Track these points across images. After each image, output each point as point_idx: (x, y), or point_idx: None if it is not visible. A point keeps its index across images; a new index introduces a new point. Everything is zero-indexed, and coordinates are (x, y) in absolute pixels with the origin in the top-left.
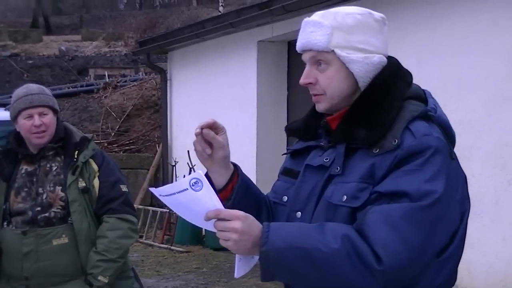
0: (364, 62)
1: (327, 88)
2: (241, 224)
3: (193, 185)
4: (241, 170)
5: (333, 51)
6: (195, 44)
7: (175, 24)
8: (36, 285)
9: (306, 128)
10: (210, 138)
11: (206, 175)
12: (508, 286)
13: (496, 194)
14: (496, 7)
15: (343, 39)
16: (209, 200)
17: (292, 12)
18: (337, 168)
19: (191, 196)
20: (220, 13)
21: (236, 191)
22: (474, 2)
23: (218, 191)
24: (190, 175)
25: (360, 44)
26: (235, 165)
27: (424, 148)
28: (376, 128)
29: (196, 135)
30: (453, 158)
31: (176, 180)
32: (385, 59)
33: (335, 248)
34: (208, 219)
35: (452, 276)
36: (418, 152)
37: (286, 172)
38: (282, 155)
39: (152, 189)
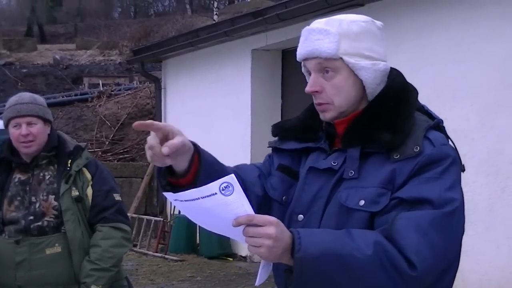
0: (372, 69)
1: (335, 97)
2: (275, 230)
3: (223, 190)
4: (202, 149)
5: (341, 58)
6: (189, 52)
7: (170, 33)
8: None
9: (305, 129)
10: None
11: (160, 168)
12: None
13: (490, 202)
14: (490, 15)
15: (350, 46)
16: (240, 205)
17: (286, 21)
18: (351, 172)
19: (220, 201)
20: (214, 22)
21: (201, 174)
22: (468, 10)
23: (181, 176)
24: (220, 179)
25: (367, 51)
26: (194, 145)
27: (443, 157)
28: (398, 133)
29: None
30: (463, 170)
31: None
32: (388, 67)
33: (369, 254)
34: (238, 224)
35: (451, 284)
36: (438, 160)
37: (283, 169)
38: (268, 147)
39: (168, 194)
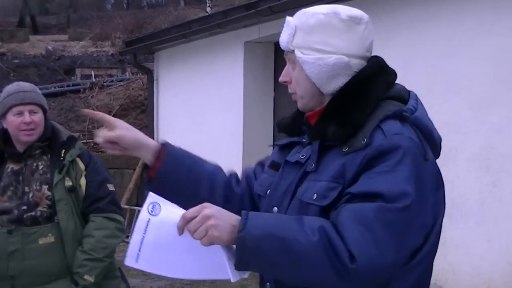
0: (316, 63)
1: (296, 88)
2: (209, 209)
3: (151, 211)
4: (172, 147)
5: (293, 51)
6: (182, 44)
7: (163, 25)
8: (22, 285)
9: (293, 124)
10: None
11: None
12: None
13: (481, 196)
14: (482, 9)
15: (302, 39)
16: (173, 214)
17: (279, 13)
18: (312, 165)
19: (157, 224)
20: (207, 14)
21: (160, 169)
22: (460, 4)
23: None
24: (144, 206)
25: (317, 44)
26: (163, 144)
27: (394, 148)
28: (346, 126)
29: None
30: (427, 159)
31: None
32: (345, 60)
33: (313, 240)
34: (181, 231)
35: (421, 282)
36: (389, 152)
37: (273, 166)
38: (269, 146)
39: (127, 262)
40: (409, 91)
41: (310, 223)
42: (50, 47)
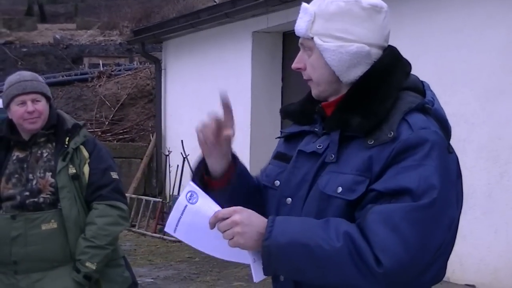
0: (337, 51)
1: (312, 74)
2: (239, 216)
3: (189, 199)
4: (239, 160)
5: (313, 38)
6: (190, 34)
7: (171, 14)
8: (24, 270)
9: (302, 112)
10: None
11: (201, 163)
12: (499, 278)
13: (489, 187)
14: (490, 1)
15: (322, 26)
16: (208, 208)
17: (287, 3)
18: (332, 156)
19: (193, 211)
20: (215, 3)
21: (233, 181)
22: None
23: (213, 179)
24: (183, 192)
25: (338, 32)
26: (233, 155)
27: (422, 142)
28: (370, 117)
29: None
30: (451, 152)
31: (169, 170)
32: (366, 49)
33: (337, 246)
34: (211, 226)
35: (442, 269)
36: (416, 146)
37: (279, 156)
38: (276, 138)
39: (166, 229)
40: (422, 82)
41: (336, 228)
42: (58, 36)
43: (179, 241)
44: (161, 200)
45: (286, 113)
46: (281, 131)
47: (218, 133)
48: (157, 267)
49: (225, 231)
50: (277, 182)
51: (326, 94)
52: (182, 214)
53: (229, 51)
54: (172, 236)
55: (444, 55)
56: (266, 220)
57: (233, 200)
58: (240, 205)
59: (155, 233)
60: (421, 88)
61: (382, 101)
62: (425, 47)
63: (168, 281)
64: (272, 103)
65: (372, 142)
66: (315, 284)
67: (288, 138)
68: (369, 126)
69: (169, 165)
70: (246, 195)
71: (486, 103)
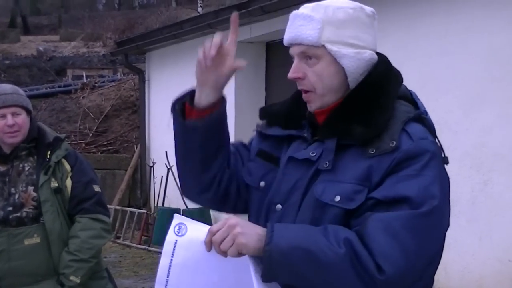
0: (356, 57)
1: (317, 84)
2: (234, 219)
3: (178, 232)
4: (225, 105)
5: (323, 46)
6: (173, 44)
7: (154, 25)
8: (8, 285)
9: (289, 115)
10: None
11: (189, 91)
12: (484, 286)
13: (473, 194)
14: (473, 7)
15: (333, 33)
16: (200, 232)
17: (270, 13)
18: (326, 163)
19: (185, 244)
20: (198, 14)
21: (215, 116)
22: (451, 2)
23: (194, 107)
24: (170, 228)
25: (351, 39)
26: (223, 97)
27: (422, 152)
28: (372, 127)
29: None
30: (446, 162)
31: (153, 181)
32: (375, 56)
33: (340, 252)
34: (209, 248)
35: (432, 278)
36: (416, 156)
37: (262, 155)
38: (253, 131)
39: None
40: (410, 90)
41: (336, 234)
42: (41, 48)
43: None
44: (146, 211)
45: (268, 114)
46: (259, 130)
47: (220, 56)
48: (142, 279)
49: (222, 240)
50: (263, 183)
51: (328, 103)
52: (172, 255)
53: None
54: (157, 248)
55: (427, 62)
56: (260, 226)
57: (207, 139)
58: (211, 151)
59: (140, 244)
60: (409, 97)
61: (383, 110)
62: (409, 54)
63: None
64: (255, 113)
65: (373, 152)
66: None
67: (269, 137)
68: (371, 136)
69: (154, 176)
70: (218, 142)
71: (470, 110)
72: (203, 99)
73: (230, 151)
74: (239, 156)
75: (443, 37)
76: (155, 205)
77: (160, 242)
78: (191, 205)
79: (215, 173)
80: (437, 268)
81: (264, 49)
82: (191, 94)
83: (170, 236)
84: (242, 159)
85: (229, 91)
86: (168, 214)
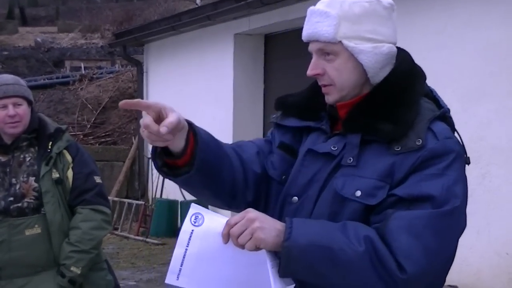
0: (373, 52)
1: (336, 79)
2: (252, 213)
3: (195, 222)
4: (197, 127)
5: (340, 42)
6: (171, 36)
7: (152, 17)
8: (8, 276)
9: (307, 106)
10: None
11: (157, 149)
12: (482, 279)
13: (470, 188)
14: (471, 2)
15: (350, 29)
16: (217, 223)
17: (269, 5)
18: (350, 159)
19: (201, 234)
20: (197, 6)
21: (197, 154)
22: None
23: (177, 157)
24: (186, 218)
25: (368, 33)
26: (189, 123)
27: (447, 152)
28: (400, 124)
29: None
30: (468, 163)
31: (151, 172)
32: (394, 49)
33: (360, 250)
34: (226, 240)
35: (446, 276)
36: (441, 155)
37: (284, 147)
38: (270, 122)
39: (167, 280)
40: (429, 87)
41: (356, 232)
42: (39, 39)
43: (162, 244)
44: (143, 203)
45: (284, 105)
46: (276, 122)
47: (159, 124)
48: (140, 270)
49: (240, 233)
50: (284, 177)
51: (348, 98)
52: (188, 245)
53: (211, 54)
54: (155, 239)
55: (425, 57)
56: (279, 221)
57: (206, 176)
58: (215, 173)
59: (137, 236)
60: (431, 95)
61: (409, 108)
62: (407, 49)
63: (151, 284)
64: (254, 105)
65: (399, 149)
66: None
67: (287, 129)
68: (400, 133)
69: (152, 167)
70: (218, 164)
71: (468, 104)
72: (174, 147)
73: (230, 151)
74: (262, 152)
75: (441, 32)
76: (153, 196)
77: (158, 233)
78: (189, 196)
79: (231, 184)
80: (450, 267)
81: (262, 42)
82: (160, 150)
83: (186, 225)
84: (265, 154)
85: (228, 84)
86: (165, 205)
